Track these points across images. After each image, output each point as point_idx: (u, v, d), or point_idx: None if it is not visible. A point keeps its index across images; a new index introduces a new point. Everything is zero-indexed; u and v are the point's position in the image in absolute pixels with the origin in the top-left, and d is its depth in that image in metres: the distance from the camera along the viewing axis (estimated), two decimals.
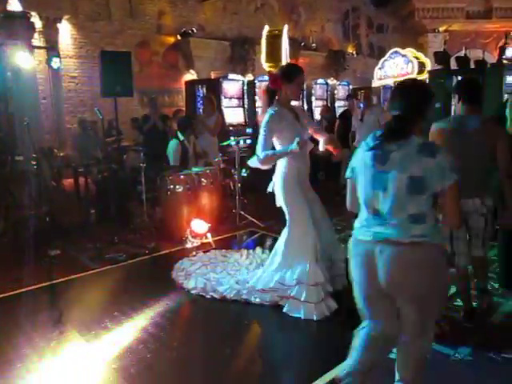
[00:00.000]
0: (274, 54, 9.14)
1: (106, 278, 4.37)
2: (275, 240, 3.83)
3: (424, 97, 2.06)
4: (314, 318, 3.29)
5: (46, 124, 8.95)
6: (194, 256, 4.64)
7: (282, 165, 3.51)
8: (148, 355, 2.92)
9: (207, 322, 3.43)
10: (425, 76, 13.50)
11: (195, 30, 11.04)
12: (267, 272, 3.65)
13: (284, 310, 3.44)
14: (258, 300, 3.58)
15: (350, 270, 2.16)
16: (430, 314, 2.07)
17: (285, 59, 8.99)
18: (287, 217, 3.55)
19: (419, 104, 2.03)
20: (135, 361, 2.86)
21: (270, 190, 3.65)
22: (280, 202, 3.58)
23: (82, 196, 7.17)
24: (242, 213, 5.87)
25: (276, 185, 3.58)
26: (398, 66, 13.86)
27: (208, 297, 3.73)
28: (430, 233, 1.94)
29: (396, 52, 13.77)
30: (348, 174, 2.16)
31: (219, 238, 5.29)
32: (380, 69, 13.36)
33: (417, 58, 13.32)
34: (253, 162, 3.48)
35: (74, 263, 4.64)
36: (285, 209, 3.56)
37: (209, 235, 5.08)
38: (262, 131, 3.40)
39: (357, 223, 2.13)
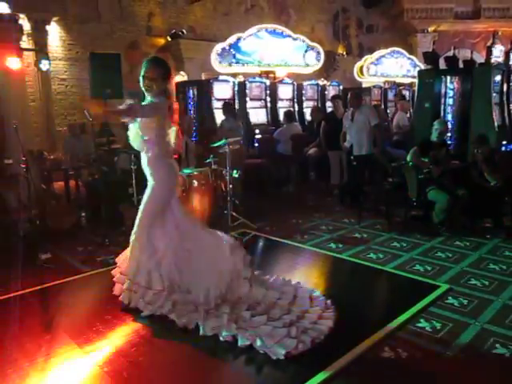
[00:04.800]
0: None
1: (98, 280, 4.33)
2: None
3: None
4: None
5: (36, 127, 8.90)
6: None
7: None
8: (140, 358, 2.91)
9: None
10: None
11: (185, 32, 11.03)
12: None
13: None
14: None
15: None
16: None
17: None
18: None
19: None
20: (127, 364, 2.84)
21: None
22: None
23: (72, 199, 7.15)
24: (234, 214, 5.86)
25: None
26: (402, 67, 13.97)
27: None
28: None
29: (398, 52, 13.84)
30: None
31: None
32: (375, 64, 13.38)
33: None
34: None
35: (65, 266, 4.61)
36: None
37: None
38: None
39: None
